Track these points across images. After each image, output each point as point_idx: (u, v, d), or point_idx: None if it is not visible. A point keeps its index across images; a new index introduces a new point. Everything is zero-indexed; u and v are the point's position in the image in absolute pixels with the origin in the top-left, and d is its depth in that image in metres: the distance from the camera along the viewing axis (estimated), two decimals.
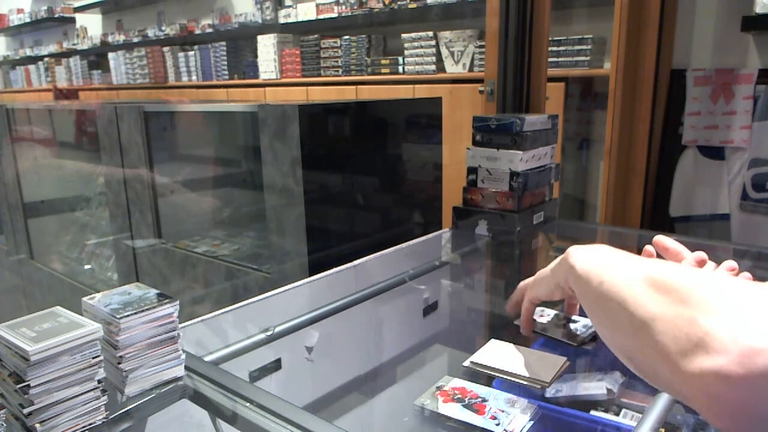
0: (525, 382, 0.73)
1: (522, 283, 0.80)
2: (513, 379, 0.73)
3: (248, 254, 2.03)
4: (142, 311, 0.66)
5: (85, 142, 2.84)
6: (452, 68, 3.28)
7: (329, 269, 1.13)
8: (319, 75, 3.92)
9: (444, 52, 3.29)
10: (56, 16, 6.44)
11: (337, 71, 3.81)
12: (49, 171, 3.09)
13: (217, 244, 2.17)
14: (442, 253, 1.38)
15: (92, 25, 6.21)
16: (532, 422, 0.68)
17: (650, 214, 2.08)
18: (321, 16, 3.85)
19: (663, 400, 0.62)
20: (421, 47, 3.36)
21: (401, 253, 1.27)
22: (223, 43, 4.55)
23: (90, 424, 0.61)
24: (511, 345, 0.80)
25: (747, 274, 0.62)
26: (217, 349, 0.85)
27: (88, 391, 0.60)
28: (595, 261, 0.56)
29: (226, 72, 4.56)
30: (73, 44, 6.36)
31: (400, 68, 3.48)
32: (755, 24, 1.83)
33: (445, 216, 1.80)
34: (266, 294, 1.02)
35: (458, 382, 0.76)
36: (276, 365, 1.02)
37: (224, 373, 0.71)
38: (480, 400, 0.72)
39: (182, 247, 2.11)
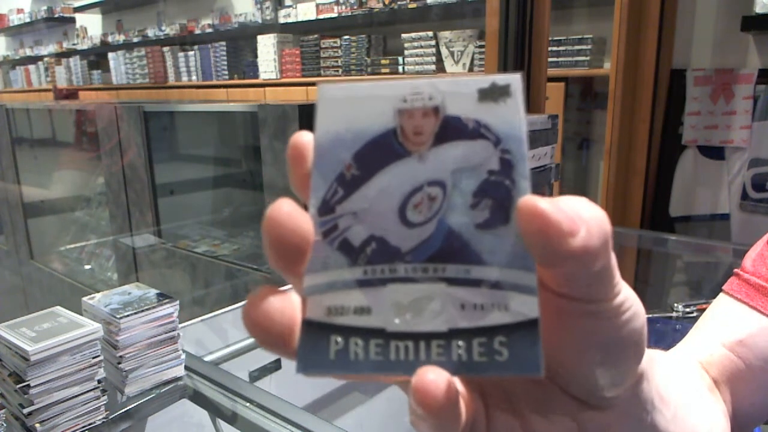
0: None
1: None
2: None
3: (248, 254, 2.03)
4: (142, 311, 0.66)
5: (84, 142, 2.85)
6: (452, 68, 3.28)
7: None
8: (319, 75, 3.92)
9: (444, 52, 3.29)
10: (56, 16, 6.44)
11: (337, 71, 3.81)
12: (49, 171, 3.09)
13: (217, 244, 2.17)
14: None
15: (92, 25, 6.21)
16: None
17: (650, 214, 2.08)
18: (321, 16, 3.84)
19: None
20: (421, 47, 3.36)
21: None
22: (223, 43, 4.54)
23: (90, 424, 0.61)
24: None
25: None
26: (217, 349, 0.85)
27: (88, 391, 0.60)
28: None
29: (226, 72, 4.56)
30: (73, 44, 6.35)
31: (400, 68, 3.47)
32: (755, 24, 1.83)
33: None
34: None
35: None
36: (276, 365, 1.02)
37: (224, 373, 0.71)
38: None
39: (182, 247, 2.11)
